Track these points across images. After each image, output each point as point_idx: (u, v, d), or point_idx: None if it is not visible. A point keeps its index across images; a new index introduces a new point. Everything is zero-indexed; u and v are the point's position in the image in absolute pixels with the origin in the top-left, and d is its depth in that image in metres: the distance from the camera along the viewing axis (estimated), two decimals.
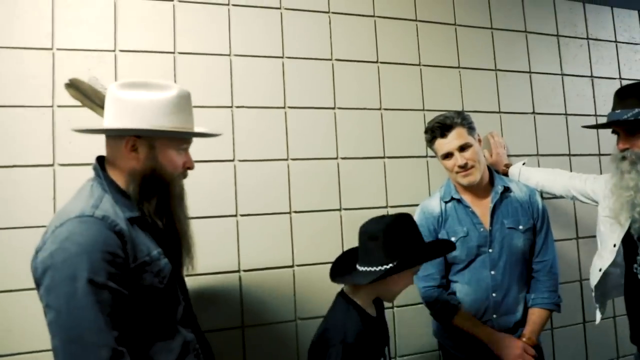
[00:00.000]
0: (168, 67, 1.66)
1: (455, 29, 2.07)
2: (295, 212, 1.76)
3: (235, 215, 1.68)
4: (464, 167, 1.62)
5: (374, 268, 1.24)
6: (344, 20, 1.88)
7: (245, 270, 1.68)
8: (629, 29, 2.46)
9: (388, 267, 1.22)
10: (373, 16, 1.94)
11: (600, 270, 1.57)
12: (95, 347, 0.87)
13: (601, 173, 2.21)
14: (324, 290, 1.72)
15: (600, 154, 2.31)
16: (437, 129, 1.64)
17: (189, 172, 1.17)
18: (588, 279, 2.07)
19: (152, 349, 0.99)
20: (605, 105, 2.36)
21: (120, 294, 0.93)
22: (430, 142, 1.70)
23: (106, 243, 0.93)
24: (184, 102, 1.10)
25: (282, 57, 1.79)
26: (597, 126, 1.62)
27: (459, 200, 1.70)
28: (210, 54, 1.71)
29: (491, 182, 1.73)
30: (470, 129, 1.65)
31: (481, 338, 1.60)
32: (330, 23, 1.87)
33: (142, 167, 1.07)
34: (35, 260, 0.93)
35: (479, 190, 1.70)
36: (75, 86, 1.13)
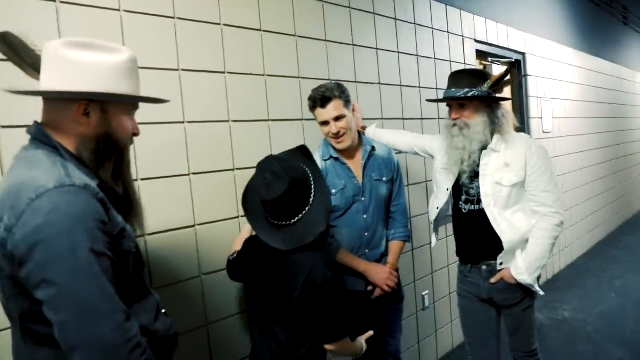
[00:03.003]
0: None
1: (323, 5, 2.31)
2: (194, 173, 1.82)
3: (137, 180, 1.66)
4: (337, 135, 1.92)
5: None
6: None
7: (149, 234, 1.69)
8: (439, 19, 3.09)
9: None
10: None
11: (437, 208, 2.09)
12: (111, 313, 0.89)
13: (423, 132, 2.82)
14: (226, 245, 1.87)
15: (422, 118, 2.92)
16: (319, 100, 1.89)
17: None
18: (419, 215, 2.69)
19: (132, 311, 1.03)
20: (427, 79, 2.97)
21: (112, 261, 0.95)
22: (312, 109, 1.95)
23: (96, 211, 0.92)
24: (134, 66, 1.09)
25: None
26: (436, 100, 2.11)
27: (337, 159, 2.01)
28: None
29: (360, 142, 2.09)
30: (347, 101, 1.94)
31: (359, 268, 1.98)
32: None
33: (94, 133, 1.04)
34: (12, 237, 0.87)
35: (351, 150, 2.02)
36: (7, 40, 1.00)
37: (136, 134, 1.15)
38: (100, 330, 0.88)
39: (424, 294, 2.93)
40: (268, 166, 1.42)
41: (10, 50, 1.01)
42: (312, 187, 1.46)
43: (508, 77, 1.90)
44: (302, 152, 1.60)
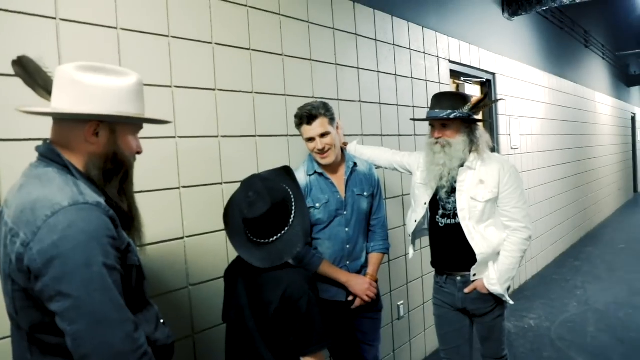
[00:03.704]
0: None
1: (309, 26, 2.42)
2: (184, 187, 1.87)
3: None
4: (322, 151, 2.02)
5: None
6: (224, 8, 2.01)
7: (139, 246, 1.73)
8: (416, 40, 3.25)
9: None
10: (246, 6, 2.12)
11: (415, 221, 2.21)
12: (121, 323, 0.95)
13: (400, 148, 2.95)
14: (213, 257, 1.92)
15: (399, 135, 3.06)
16: (305, 117, 1.99)
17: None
18: (395, 228, 2.79)
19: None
20: (404, 98, 3.11)
21: (121, 274, 1.00)
22: (298, 126, 2.05)
23: (107, 228, 0.98)
24: (141, 89, 1.16)
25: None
26: (420, 119, 2.25)
27: (321, 174, 2.10)
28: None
29: (343, 158, 2.19)
30: (332, 119, 2.04)
31: (340, 279, 2.07)
32: (210, 9, 1.97)
33: (103, 152, 1.10)
34: (28, 252, 0.91)
35: (334, 165, 2.12)
36: (23, 64, 1.05)
37: (139, 152, 1.21)
38: (111, 340, 0.94)
39: (399, 303, 3.04)
40: (252, 185, 1.47)
41: (25, 72, 1.06)
42: (293, 208, 1.52)
43: (486, 100, 2.06)
44: (286, 172, 1.65)
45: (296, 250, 1.47)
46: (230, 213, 1.57)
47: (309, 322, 1.43)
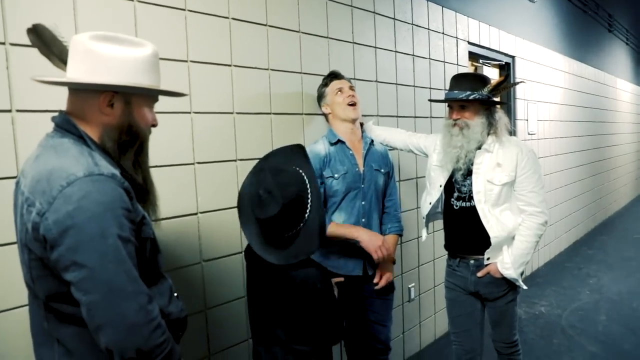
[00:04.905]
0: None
1: (326, 3, 2.37)
2: (199, 162, 1.87)
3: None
4: (353, 104, 2.09)
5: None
6: None
7: (153, 220, 1.73)
8: (435, 20, 3.17)
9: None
10: None
11: (430, 203, 2.19)
12: (135, 295, 0.95)
13: (415, 130, 2.91)
14: (226, 234, 1.93)
15: (415, 116, 3.01)
16: (333, 74, 2.17)
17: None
18: (408, 210, 2.78)
19: None
20: (421, 79, 3.05)
21: (135, 246, 1.00)
22: (325, 85, 2.15)
23: (122, 200, 0.98)
24: (156, 60, 1.14)
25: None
26: (438, 100, 2.21)
27: (344, 142, 2.10)
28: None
29: (361, 135, 2.21)
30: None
31: (352, 234, 1.98)
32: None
33: (117, 123, 1.09)
34: (44, 222, 0.92)
35: (355, 140, 2.15)
36: (38, 32, 1.03)
37: (155, 125, 1.20)
38: (125, 311, 0.94)
39: (410, 286, 3.03)
40: (262, 181, 1.38)
41: (40, 41, 1.05)
42: (309, 202, 1.41)
43: (506, 83, 2.01)
44: (299, 151, 1.55)
45: (311, 249, 1.39)
46: (241, 203, 1.51)
47: (323, 314, 1.42)
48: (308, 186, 1.42)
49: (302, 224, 1.40)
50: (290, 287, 1.41)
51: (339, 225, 2.04)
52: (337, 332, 1.49)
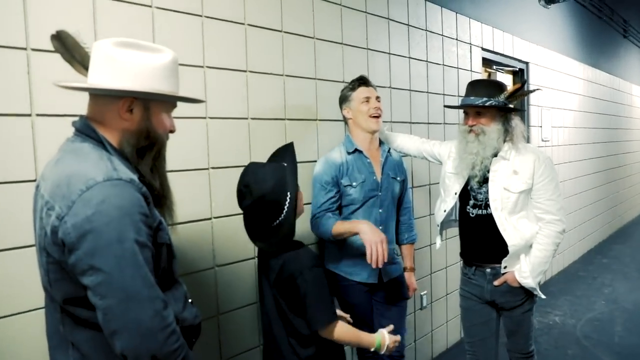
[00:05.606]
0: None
1: (341, 9, 2.37)
2: (213, 167, 1.87)
3: None
4: (377, 116, 2.08)
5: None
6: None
7: (170, 225, 1.74)
8: (449, 27, 3.16)
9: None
10: None
11: (444, 211, 2.17)
12: (151, 300, 0.95)
13: (429, 137, 2.89)
14: (240, 239, 1.92)
15: (429, 123, 2.99)
16: (362, 80, 2.12)
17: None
18: (421, 217, 2.76)
19: None
20: (435, 85, 3.04)
21: (152, 252, 1.00)
22: (352, 89, 2.11)
23: (140, 205, 0.98)
24: (176, 67, 1.14)
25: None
26: (454, 106, 2.20)
27: (361, 152, 2.10)
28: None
29: (379, 143, 2.21)
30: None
31: (352, 229, 1.88)
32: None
33: (136, 128, 1.09)
34: (63, 225, 0.92)
35: (373, 148, 2.15)
36: (61, 38, 1.05)
37: (172, 131, 1.21)
38: (141, 316, 0.94)
39: (422, 293, 3.00)
40: (244, 176, 1.55)
41: (63, 47, 1.06)
42: (288, 197, 1.51)
43: (523, 90, 1.99)
44: (289, 148, 1.66)
45: (289, 236, 1.53)
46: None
47: (310, 297, 1.46)
48: (287, 179, 1.53)
49: (279, 219, 1.51)
50: (277, 281, 1.52)
51: (341, 222, 1.97)
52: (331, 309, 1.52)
